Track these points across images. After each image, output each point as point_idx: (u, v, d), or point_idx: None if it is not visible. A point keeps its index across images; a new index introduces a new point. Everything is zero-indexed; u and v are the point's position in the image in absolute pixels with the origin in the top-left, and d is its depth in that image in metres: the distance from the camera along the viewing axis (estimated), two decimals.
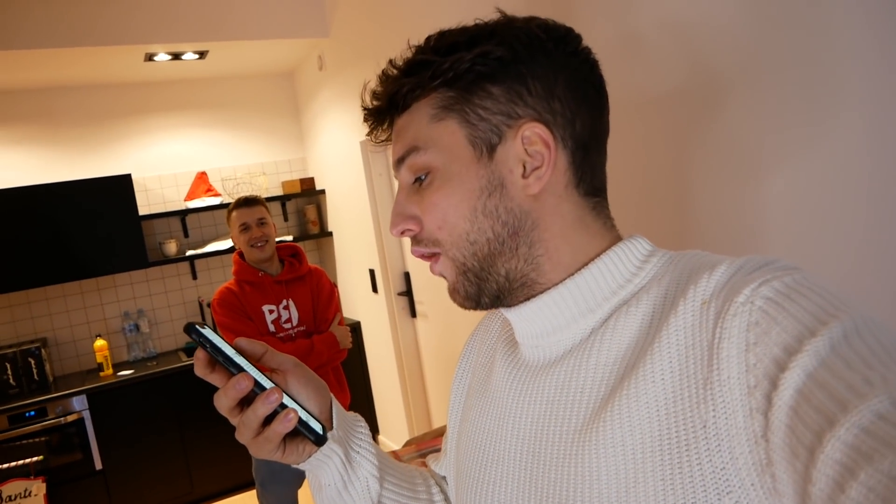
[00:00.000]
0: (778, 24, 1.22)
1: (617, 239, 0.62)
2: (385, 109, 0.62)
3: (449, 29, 0.60)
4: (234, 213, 2.51)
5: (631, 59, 1.56)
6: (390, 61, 0.62)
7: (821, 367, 0.41)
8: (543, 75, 0.57)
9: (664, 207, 1.56)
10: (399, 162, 0.61)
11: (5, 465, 3.02)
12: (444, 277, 0.63)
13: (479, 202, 0.58)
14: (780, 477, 0.42)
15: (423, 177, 0.60)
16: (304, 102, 4.43)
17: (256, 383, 0.59)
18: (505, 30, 0.58)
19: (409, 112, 0.60)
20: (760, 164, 1.31)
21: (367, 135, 0.65)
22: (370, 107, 0.63)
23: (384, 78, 0.62)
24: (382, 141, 0.65)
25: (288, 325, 2.51)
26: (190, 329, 0.59)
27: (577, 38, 0.61)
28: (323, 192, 4.32)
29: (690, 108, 1.45)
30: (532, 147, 0.57)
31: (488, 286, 0.60)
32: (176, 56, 3.62)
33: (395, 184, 3.51)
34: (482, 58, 0.56)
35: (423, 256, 0.62)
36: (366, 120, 0.64)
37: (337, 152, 3.91)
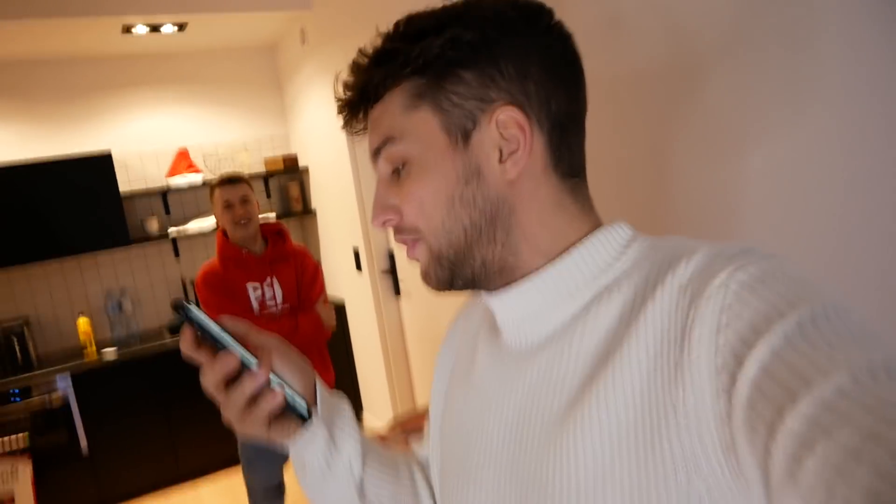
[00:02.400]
0: (758, 1, 1.22)
1: (597, 223, 0.62)
2: (358, 101, 0.61)
3: (417, 13, 0.59)
4: (216, 191, 2.48)
5: (612, 38, 1.56)
6: (360, 50, 0.60)
7: (786, 347, 0.41)
8: (515, 56, 0.56)
9: (643, 187, 1.57)
10: (375, 153, 0.61)
11: None
12: (419, 261, 0.62)
13: (456, 190, 0.57)
14: (743, 456, 0.42)
15: (400, 167, 0.59)
16: (286, 77, 4.37)
17: (242, 362, 0.60)
18: (474, 11, 0.56)
19: (383, 102, 0.60)
20: (740, 143, 1.31)
21: (343, 127, 0.64)
22: (343, 98, 0.62)
23: (355, 68, 0.61)
24: (358, 131, 0.64)
25: (272, 304, 2.50)
26: (178, 306, 0.60)
27: (549, 13, 0.60)
28: (306, 169, 4.28)
29: (670, 87, 1.45)
30: (507, 131, 0.56)
31: (462, 272, 0.60)
32: (154, 28, 3.55)
33: None
34: (452, 43, 0.55)
35: (405, 243, 0.62)
36: (340, 111, 0.63)
37: (320, 129, 3.88)
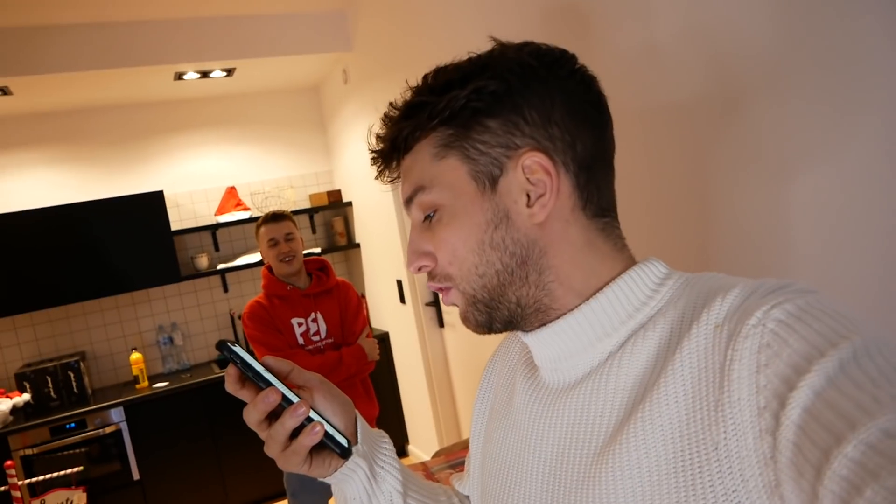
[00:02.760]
0: (798, 27, 1.21)
1: (630, 261, 0.63)
2: (389, 152, 0.64)
3: (444, 65, 0.61)
4: (262, 229, 2.56)
5: (651, 68, 1.56)
6: (391, 104, 0.64)
7: (829, 387, 0.41)
8: (539, 103, 0.58)
9: (684, 220, 1.55)
10: (408, 202, 0.63)
11: (48, 476, 3.11)
12: (456, 306, 0.64)
13: (486, 235, 0.59)
14: (788, 497, 0.42)
15: (431, 214, 0.61)
16: (329, 116, 4.49)
17: (284, 397, 0.61)
18: (497, 62, 0.59)
19: (413, 153, 0.62)
20: (783, 171, 1.29)
21: (377, 177, 0.67)
22: (375, 149, 0.65)
23: (386, 120, 0.64)
24: (392, 180, 0.67)
25: (316, 338, 2.55)
26: (222, 346, 0.62)
27: (571, 59, 0.62)
28: (350, 204, 4.37)
29: (710, 117, 1.44)
30: (534, 176, 0.58)
31: (499, 314, 0.62)
32: (204, 74, 3.71)
33: None
34: (476, 93, 0.57)
35: (439, 290, 0.64)
36: (374, 162, 0.66)
37: (363, 164, 3.96)
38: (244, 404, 0.63)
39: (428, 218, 0.62)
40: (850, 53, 1.13)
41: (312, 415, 0.62)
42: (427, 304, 3.59)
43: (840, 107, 1.16)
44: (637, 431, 0.52)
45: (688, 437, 0.49)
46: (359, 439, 0.68)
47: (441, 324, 3.59)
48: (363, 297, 4.43)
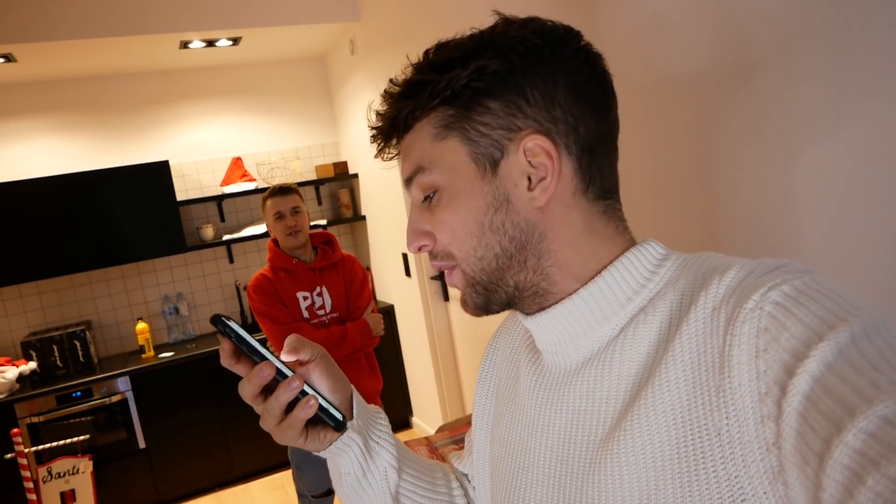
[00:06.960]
0: (809, 1, 1.19)
1: (630, 243, 0.62)
2: (389, 130, 0.63)
3: (445, 42, 0.60)
4: (268, 202, 2.54)
5: (655, 41, 1.53)
6: (391, 80, 0.62)
7: (828, 372, 0.41)
8: (542, 83, 0.57)
9: (690, 194, 1.54)
10: (408, 182, 0.63)
11: (54, 444, 3.15)
12: (457, 288, 0.64)
13: (485, 218, 0.59)
14: (793, 484, 0.42)
15: (431, 195, 0.61)
16: (336, 87, 4.44)
17: (278, 371, 0.62)
18: (500, 40, 0.57)
19: (413, 132, 0.61)
20: (791, 147, 1.27)
21: (376, 155, 0.66)
22: (375, 127, 0.64)
23: (386, 98, 0.63)
24: (392, 157, 0.66)
25: (321, 312, 2.54)
26: (216, 320, 0.62)
27: (577, 36, 0.60)
28: (356, 175, 4.34)
29: (718, 90, 1.41)
30: (535, 159, 0.57)
31: (497, 296, 0.62)
32: (210, 43, 3.66)
33: None
34: (478, 73, 0.56)
35: (441, 269, 0.64)
36: (373, 140, 0.65)
37: (369, 136, 3.91)
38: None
39: (428, 198, 0.61)
40: (860, 26, 1.10)
41: (307, 388, 0.63)
42: (432, 278, 3.58)
43: (850, 81, 1.14)
44: (640, 417, 0.52)
45: (690, 422, 0.49)
46: (354, 414, 0.69)
47: (446, 297, 3.58)
48: (368, 269, 4.42)
